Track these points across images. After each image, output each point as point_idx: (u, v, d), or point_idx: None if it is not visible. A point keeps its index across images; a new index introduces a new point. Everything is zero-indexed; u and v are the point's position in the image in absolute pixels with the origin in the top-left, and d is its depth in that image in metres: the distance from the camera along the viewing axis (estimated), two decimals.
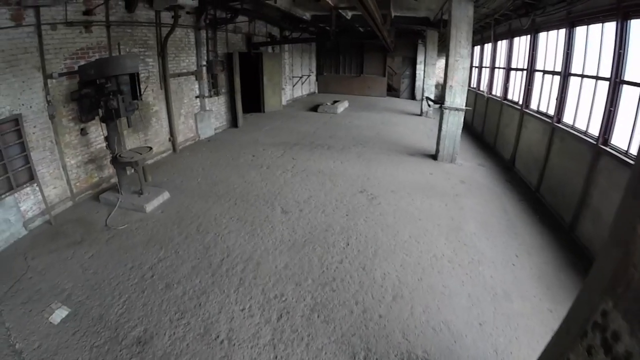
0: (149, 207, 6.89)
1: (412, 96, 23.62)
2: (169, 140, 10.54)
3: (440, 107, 9.33)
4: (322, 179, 8.27)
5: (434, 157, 10.03)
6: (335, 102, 19.02)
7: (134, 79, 6.88)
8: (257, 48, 15.71)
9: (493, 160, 10.29)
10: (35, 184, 6.17)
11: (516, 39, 10.50)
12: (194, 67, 11.31)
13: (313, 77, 25.41)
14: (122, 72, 6.38)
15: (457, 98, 9.19)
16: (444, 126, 9.41)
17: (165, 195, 7.36)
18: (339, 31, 16.59)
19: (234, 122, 14.05)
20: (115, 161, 6.95)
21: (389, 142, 11.71)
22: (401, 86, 24.34)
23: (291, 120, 15.72)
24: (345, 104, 19.38)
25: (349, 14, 13.83)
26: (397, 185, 7.96)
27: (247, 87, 17.70)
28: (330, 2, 10.00)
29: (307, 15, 15.04)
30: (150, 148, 7.35)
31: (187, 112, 11.34)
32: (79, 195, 7.38)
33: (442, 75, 16.27)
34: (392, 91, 25.59)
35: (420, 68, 22.56)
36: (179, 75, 10.68)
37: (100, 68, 6.33)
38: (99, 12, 7.85)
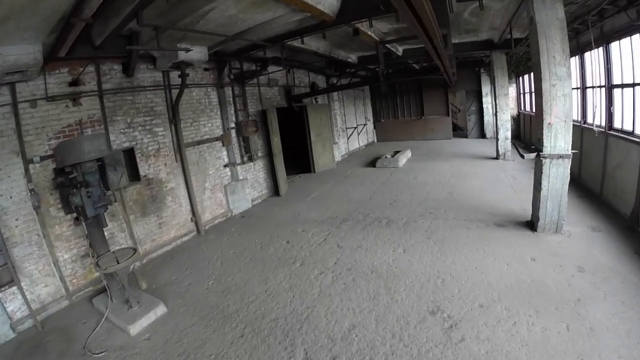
0: (135, 328, 5.43)
1: (482, 134, 21.87)
2: (192, 220, 9.24)
3: (537, 155, 7.23)
4: (375, 285, 6.02)
5: (531, 225, 7.63)
6: (395, 153, 17.35)
7: (117, 161, 5.62)
8: (299, 101, 14.62)
9: (607, 218, 7.75)
10: (16, 286, 5.67)
11: (615, 44, 8.29)
12: (218, 132, 10.21)
13: (370, 125, 24.25)
14: (78, 160, 5.13)
15: (559, 140, 6.97)
16: (544, 182, 7.11)
17: (160, 309, 5.88)
18: (390, 71, 15.27)
19: (275, 190, 12.68)
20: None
21: (466, 206, 9.45)
22: (468, 124, 22.66)
23: (344, 181, 14.08)
24: (408, 153, 17.64)
25: (399, 49, 12.81)
26: (487, 292, 5.49)
27: (292, 146, 16.92)
28: (373, 35, 8.61)
29: (352, 58, 13.89)
30: (135, 250, 5.90)
31: (214, 184, 10.14)
32: (76, 294, 6.65)
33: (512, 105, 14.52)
34: (458, 130, 24.20)
35: (487, 101, 21.18)
36: (200, 142, 9.60)
37: (62, 154, 5.16)
38: (90, 80, 7.06)
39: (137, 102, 8.00)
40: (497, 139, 14.70)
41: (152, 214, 8.32)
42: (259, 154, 12.00)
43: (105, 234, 6.79)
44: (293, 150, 17.12)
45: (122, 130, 7.69)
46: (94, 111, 7.19)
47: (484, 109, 21.44)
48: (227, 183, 10.60)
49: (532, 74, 17.05)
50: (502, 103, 14.50)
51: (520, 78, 18.71)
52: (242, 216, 10.73)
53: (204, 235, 9.39)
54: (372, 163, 16.78)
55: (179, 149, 8.80)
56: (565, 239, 6.95)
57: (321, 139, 16.00)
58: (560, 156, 6.91)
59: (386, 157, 16.41)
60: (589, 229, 7.25)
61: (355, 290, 5.91)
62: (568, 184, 6.96)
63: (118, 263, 5.43)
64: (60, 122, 6.64)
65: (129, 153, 7.69)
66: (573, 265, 5.89)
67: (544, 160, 6.99)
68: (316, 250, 7.67)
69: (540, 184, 7.10)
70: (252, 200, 11.71)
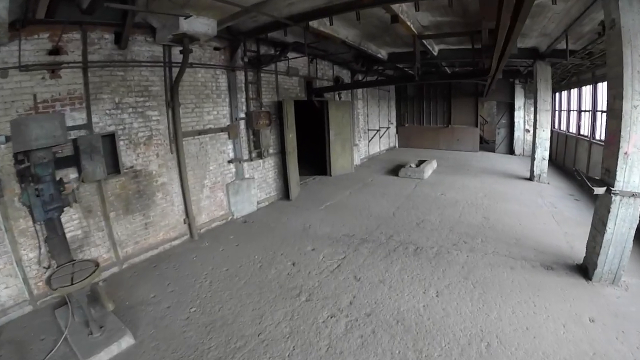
0: None
1: (510, 150, 20.69)
2: (184, 222, 8.18)
3: (607, 191, 5.94)
4: (402, 345, 4.67)
5: (584, 271, 6.37)
6: (420, 162, 16.20)
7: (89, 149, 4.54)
8: (321, 95, 13.54)
9: None
10: None
11: None
12: (225, 121, 9.12)
13: (393, 129, 23.30)
14: (25, 147, 4.03)
15: (634, 174, 5.76)
16: (609, 224, 5.81)
17: (126, 340, 4.78)
18: (424, 72, 14.32)
19: (285, 192, 11.58)
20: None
21: (505, 237, 8.18)
22: (497, 138, 21.55)
23: (363, 190, 12.87)
24: (434, 164, 16.52)
25: (435, 49, 11.80)
26: None
27: (307, 144, 16.05)
28: (411, 27, 7.55)
29: (382, 54, 12.87)
30: (97, 265, 4.78)
31: (215, 182, 9.09)
32: (42, 299, 5.81)
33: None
34: (484, 143, 23.35)
35: (519, 115, 20.03)
36: (202, 132, 8.51)
37: (14, 136, 4.08)
38: (74, 49, 6.07)
39: (129, 79, 6.93)
40: (534, 159, 13.54)
41: (138, 212, 7.30)
42: (270, 151, 10.89)
43: (79, 232, 6.15)
44: (308, 149, 16.17)
45: (107, 111, 6.63)
46: (75, 86, 6.15)
47: (515, 124, 20.29)
48: (231, 181, 9.52)
49: (570, 90, 16.03)
50: (543, 119, 13.23)
51: (557, 94, 17.44)
52: (244, 221, 9.63)
53: (198, 241, 8.32)
54: (395, 171, 15.63)
55: (176, 138, 7.73)
56: (624, 292, 5.75)
57: (341, 139, 14.89)
58: (633, 194, 5.66)
59: (410, 167, 15.27)
60: None
61: (375, 348, 4.65)
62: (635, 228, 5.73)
63: (72, 283, 4.28)
64: (33, 96, 5.67)
65: (112, 139, 6.57)
66: (637, 331, 4.73)
67: (613, 198, 5.71)
68: (327, 280, 6.44)
69: (605, 225, 5.82)
70: (258, 203, 10.62)
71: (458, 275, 6.41)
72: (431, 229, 8.75)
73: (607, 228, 5.77)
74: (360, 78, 16.55)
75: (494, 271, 6.52)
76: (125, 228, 7.07)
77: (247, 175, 10.06)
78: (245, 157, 9.96)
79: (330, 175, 14.90)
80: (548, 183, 13.13)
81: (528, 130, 19.58)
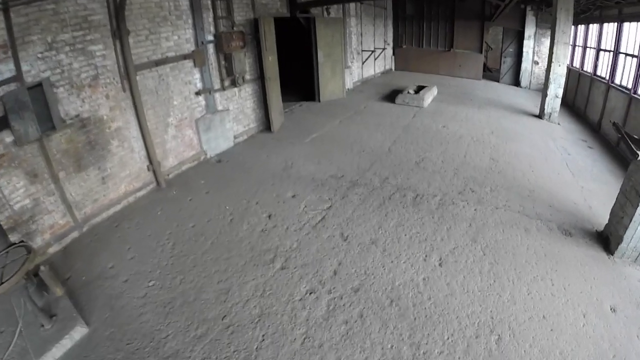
0: None
1: (516, 81, 19.67)
2: (148, 169, 7.35)
3: None
4: (396, 335, 4.08)
5: (605, 242, 5.71)
6: (419, 88, 15.23)
7: None
8: (306, 11, 12.21)
9: None
10: None
11: None
12: (189, 47, 8.03)
13: (389, 51, 22.00)
14: None
15: None
16: None
17: (79, 331, 4.23)
18: None
19: (267, 123, 10.70)
20: None
21: (517, 186, 7.44)
22: (502, 67, 20.43)
23: (355, 118, 12.00)
24: (434, 91, 15.52)
25: None
26: None
27: (293, 67, 15.19)
28: None
29: None
30: (29, 251, 4.01)
31: (182, 118, 8.17)
32: None
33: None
34: (487, 72, 22.20)
35: (528, 45, 18.82)
36: (160, 63, 7.42)
37: None
38: None
39: (62, 11, 5.73)
40: (545, 95, 12.64)
41: (92, 167, 6.43)
42: (247, 77, 9.86)
43: (27, 202, 5.42)
44: (295, 72, 15.29)
45: (39, 55, 5.51)
46: None
47: (524, 54, 19.12)
48: (200, 116, 8.60)
49: (587, 25, 14.84)
50: (560, 53, 12.16)
51: (572, 27, 16.01)
52: (218, 160, 8.88)
53: (165, 190, 7.58)
54: (391, 97, 14.69)
55: (127, 73, 6.66)
56: None
57: (331, 60, 13.76)
58: None
59: (408, 93, 14.34)
60: None
61: (362, 341, 4.03)
62: None
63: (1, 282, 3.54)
64: None
65: (42, 88, 5.57)
66: None
67: None
68: (308, 239, 5.77)
69: None
70: (235, 138, 9.80)
71: (465, 236, 5.76)
72: (433, 170, 8.05)
73: None
74: None
75: (506, 233, 5.87)
76: (79, 187, 6.27)
77: (220, 108, 9.12)
78: (217, 86, 8.96)
79: (319, 101, 14.03)
80: (558, 123, 12.39)
81: (537, 62, 18.83)
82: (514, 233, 5.87)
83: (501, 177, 7.81)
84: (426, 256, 5.30)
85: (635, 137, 5.39)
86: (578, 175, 8.15)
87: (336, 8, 14.55)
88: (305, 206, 6.63)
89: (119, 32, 6.34)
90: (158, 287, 4.93)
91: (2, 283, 3.59)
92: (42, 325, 4.15)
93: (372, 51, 19.04)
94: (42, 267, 4.40)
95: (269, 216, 6.37)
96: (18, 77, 5.23)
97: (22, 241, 4.29)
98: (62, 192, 5.96)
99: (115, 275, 5.17)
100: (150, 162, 7.40)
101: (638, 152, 5.01)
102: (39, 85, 5.44)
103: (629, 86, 10.35)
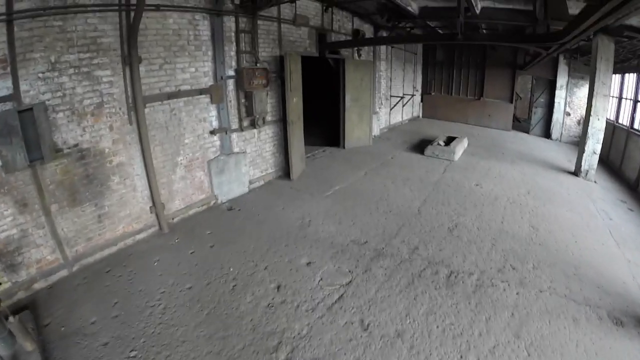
0: None
1: (547, 133, 19.32)
2: (151, 210, 6.91)
3: None
4: None
5: None
6: (450, 139, 14.75)
7: None
8: (336, 51, 12.00)
9: None
10: None
11: None
12: (207, 81, 7.64)
13: (417, 97, 22.04)
14: None
15: None
16: None
17: None
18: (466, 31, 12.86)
19: (286, 169, 10.21)
20: None
21: (561, 262, 6.69)
22: (532, 118, 20.16)
23: (382, 171, 11.43)
24: (464, 143, 15.06)
25: (478, 5, 10.13)
26: None
27: (318, 109, 14.99)
28: None
29: (413, 7, 11.30)
30: None
31: (192, 158, 7.71)
32: None
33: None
34: (516, 122, 21.92)
35: (560, 95, 18.57)
36: (173, 96, 7.03)
37: None
38: None
39: (70, 29, 5.41)
40: (583, 151, 12.09)
41: (88, 202, 5.99)
42: (268, 119, 9.45)
43: (14, 232, 5.10)
44: (319, 114, 15.05)
45: (40, 75, 5.17)
46: None
47: (555, 104, 18.87)
48: (214, 157, 8.14)
49: (623, 75, 14.38)
50: (600, 106, 11.63)
51: (624, 76, 15.60)
52: (229, 207, 8.30)
53: (167, 235, 7.04)
54: (420, 147, 14.22)
55: (135, 104, 6.24)
56: None
57: (358, 105, 13.42)
58: None
59: (438, 144, 13.88)
60: None
61: None
62: None
63: None
64: None
65: (33, 113, 5.14)
66: None
67: None
68: (322, 324, 4.95)
69: None
70: (250, 183, 9.30)
71: (507, 330, 4.95)
72: (468, 239, 7.30)
73: None
74: (384, 35, 15.01)
75: (553, 325, 5.08)
76: (72, 222, 5.82)
77: (236, 149, 8.64)
78: (234, 126, 8.53)
79: (344, 148, 13.60)
80: (595, 181, 11.83)
81: (569, 114, 18.55)
82: (562, 325, 5.11)
83: (543, 250, 7.07)
84: (461, 357, 4.50)
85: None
86: (623, 246, 7.48)
87: (367, 50, 14.43)
88: (321, 279, 5.87)
89: (129, 58, 5.97)
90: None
91: None
92: None
93: (401, 97, 18.77)
94: (10, 319, 3.84)
95: (278, 287, 5.64)
96: (15, 96, 4.93)
97: None
98: (53, 226, 5.53)
99: (96, 334, 4.57)
100: (154, 203, 6.90)
101: None
102: (35, 109, 5.00)
103: None
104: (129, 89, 6.14)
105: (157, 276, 5.72)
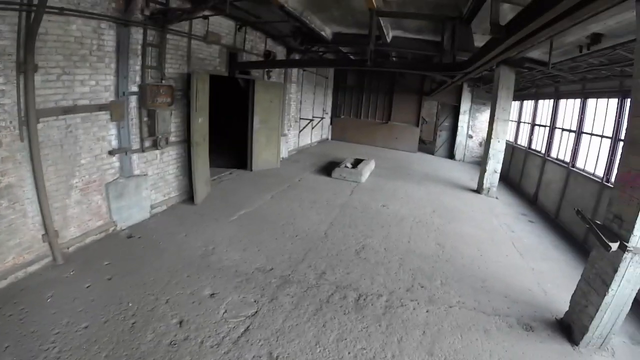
0: None
1: (451, 154, 22.10)
2: (43, 239, 6.44)
3: (621, 247, 5.06)
4: None
5: (567, 330, 5.90)
6: (357, 161, 15.73)
7: None
8: (247, 72, 12.11)
9: None
10: None
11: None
12: (107, 96, 7.36)
13: (327, 120, 23.34)
14: None
15: None
16: (613, 285, 5.20)
17: None
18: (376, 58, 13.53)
19: (190, 193, 9.98)
20: None
21: (468, 277, 7.38)
22: (437, 140, 22.96)
23: (289, 193, 11.72)
24: (372, 165, 16.10)
25: (389, 34, 11.25)
26: None
27: (226, 130, 15.11)
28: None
29: (326, 32, 11.91)
30: None
31: (89, 181, 7.31)
32: None
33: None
34: (421, 144, 24.66)
35: (463, 119, 21.45)
36: (70, 111, 6.64)
37: None
38: None
39: None
40: (485, 170, 13.84)
41: None
42: (172, 139, 9.27)
43: None
44: (227, 135, 15.22)
45: None
46: None
47: (459, 128, 21.57)
48: (113, 180, 7.82)
49: (522, 101, 17.03)
50: (500, 130, 13.50)
51: (523, 103, 17.64)
52: (129, 235, 7.99)
53: (62, 267, 6.56)
54: (327, 170, 14.89)
55: (27, 118, 5.84)
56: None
57: (267, 127, 13.71)
58: None
59: (346, 167, 14.66)
60: (629, 339, 5.87)
61: None
62: None
63: None
64: None
65: None
66: None
67: (625, 255, 5.04)
68: None
69: (608, 286, 5.25)
70: (152, 208, 9.02)
71: (420, 349, 5.27)
72: (375, 261, 7.74)
73: (609, 289, 5.24)
74: (297, 58, 15.46)
75: (465, 339, 5.55)
76: None
77: (136, 172, 8.38)
78: (135, 146, 8.26)
79: (251, 170, 13.78)
80: (497, 198, 13.44)
81: (471, 136, 21.09)
82: (473, 337, 5.59)
83: (450, 266, 7.74)
84: None
85: (598, 222, 5.52)
86: (526, 256, 8.59)
87: (278, 72, 14.77)
88: (226, 311, 5.77)
89: (25, 65, 5.58)
90: None
91: None
92: None
93: (311, 120, 19.49)
94: None
95: (180, 322, 5.44)
96: None
97: None
98: None
99: None
100: (46, 231, 6.44)
101: (610, 244, 4.96)
102: None
103: (567, 160, 11.56)
104: (21, 100, 5.72)
105: (50, 314, 5.33)
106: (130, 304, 5.71)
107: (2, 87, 5.49)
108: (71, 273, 6.39)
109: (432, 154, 22.69)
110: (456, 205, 12.10)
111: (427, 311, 6.14)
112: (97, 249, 7.27)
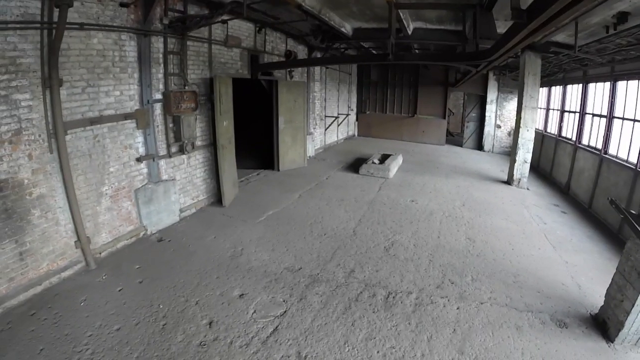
0: None
1: (479, 146, 21.40)
2: (76, 245, 6.67)
3: None
4: None
5: (602, 326, 5.61)
6: (384, 157, 15.55)
7: None
8: (269, 73, 12.19)
9: None
10: None
11: None
12: (132, 105, 7.58)
13: (353, 117, 23.07)
14: None
15: None
16: None
17: None
18: (398, 51, 13.41)
19: (218, 196, 10.18)
20: None
21: (500, 271, 7.15)
22: (465, 131, 22.33)
23: (317, 192, 11.69)
24: (399, 160, 15.88)
25: (410, 26, 11.04)
26: None
27: (252, 132, 14.98)
28: None
29: (346, 28, 11.90)
30: None
31: (118, 188, 7.53)
32: None
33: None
34: (449, 136, 24.29)
35: (490, 109, 20.76)
36: (97, 121, 6.88)
37: None
38: None
39: None
40: (514, 161, 13.38)
41: (8, 239, 5.69)
42: (198, 143, 9.45)
43: None
44: (253, 137, 15.07)
45: None
46: None
47: (486, 118, 20.93)
48: (141, 186, 8.03)
49: (550, 87, 16.41)
50: (529, 118, 12.97)
51: (550, 89, 17.09)
52: (159, 239, 8.18)
53: (94, 272, 6.77)
54: (355, 166, 14.74)
55: (56, 130, 6.07)
56: None
57: (292, 127, 13.75)
58: None
59: (373, 163, 14.47)
60: None
61: None
62: None
63: None
64: None
65: None
66: None
67: None
68: None
69: None
70: (181, 212, 9.19)
71: (450, 347, 5.16)
72: (405, 257, 7.62)
73: None
74: (318, 57, 15.41)
75: (497, 336, 5.39)
76: None
77: (164, 177, 8.57)
78: (162, 152, 8.46)
79: (278, 170, 13.83)
80: (528, 189, 13.02)
81: (499, 126, 20.43)
82: (505, 334, 5.42)
83: (481, 261, 7.52)
84: None
85: (634, 212, 5.29)
86: (559, 248, 8.21)
87: (300, 71, 14.76)
88: (255, 311, 5.82)
89: (50, 80, 5.80)
90: None
91: None
92: None
93: (336, 117, 19.43)
94: None
95: (210, 323, 5.53)
96: None
97: None
98: None
99: None
100: (79, 237, 6.66)
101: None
102: None
103: (599, 146, 11.02)
104: (49, 114, 5.96)
105: (84, 318, 5.53)
106: (160, 306, 5.86)
107: (29, 102, 5.73)
108: (103, 277, 6.59)
109: (461, 146, 22.12)
110: (486, 198, 11.79)
111: (457, 308, 6.02)
112: (128, 253, 7.47)
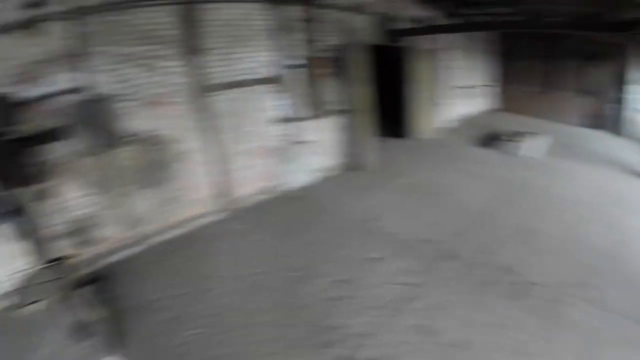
0: None
1: (616, 130, 17.84)
2: (215, 197, 7.42)
3: None
4: None
5: None
6: (525, 134, 13.90)
7: None
8: (399, 39, 11.82)
9: None
10: None
11: None
12: (269, 70, 7.98)
13: (488, 89, 21.10)
14: None
15: None
16: None
17: None
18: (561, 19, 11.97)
19: (352, 161, 10.29)
20: None
21: None
22: (616, 115, 18.54)
23: (450, 166, 11.05)
24: (542, 140, 13.95)
25: None
26: None
27: (381, 99, 14.36)
28: None
29: None
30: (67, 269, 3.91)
31: (257, 147, 8.09)
32: None
33: None
34: (595, 119, 20.13)
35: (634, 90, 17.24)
36: (234, 85, 7.36)
37: None
38: None
39: (135, 24, 5.96)
40: None
41: (155, 187, 6.54)
42: (334, 108, 9.64)
43: (84, 211, 5.68)
44: (382, 105, 14.56)
45: (107, 68, 5.74)
46: (62, 42, 5.30)
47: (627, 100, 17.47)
48: (278, 146, 8.49)
49: None
50: None
51: None
52: (295, 197, 8.59)
53: (231, 221, 7.38)
54: (492, 142, 13.62)
55: (199, 94, 6.70)
56: None
57: (424, 96, 13.33)
58: None
59: (511, 140, 13.27)
60: None
61: None
62: None
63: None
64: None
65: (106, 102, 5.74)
66: None
67: None
68: (384, 330, 4.75)
69: None
70: (315, 173, 9.54)
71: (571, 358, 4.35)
72: (542, 247, 6.58)
73: None
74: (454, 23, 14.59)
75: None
76: (140, 205, 6.38)
77: (302, 139, 8.93)
78: (300, 115, 8.77)
79: (412, 140, 13.54)
80: None
81: None
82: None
83: (634, 268, 6.10)
84: None
85: None
86: None
87: (431, 39, 13.96)
88: (385, 276, 5.73)
89: (192, 49, 6.36)
90: (200, 336, 4.59)
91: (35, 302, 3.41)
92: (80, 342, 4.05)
93: (470, 88, 18.37)
94: (84, 289, 4.39)
95: (340, 281, 5.60)
96: (83, 88, 5.42)
97: (59, 258, 4.14)
98: (125, 207, 6.12)
99: (159, 310, 5.00)
100: (220, 189, 7.37)
101: None
102: (104, 99, 5.58)
103: None
104: (192, 79, 6.53)
105: (220, 260, 6.07)
106: (295, 258, 6.14)
107: (177, 69, 6.42)
108: (239, 227, 7.12)
109: (608, 130, 18.39)
110: None
111: (593, 315, 4.96)
112: (263, 207, 7.97)
